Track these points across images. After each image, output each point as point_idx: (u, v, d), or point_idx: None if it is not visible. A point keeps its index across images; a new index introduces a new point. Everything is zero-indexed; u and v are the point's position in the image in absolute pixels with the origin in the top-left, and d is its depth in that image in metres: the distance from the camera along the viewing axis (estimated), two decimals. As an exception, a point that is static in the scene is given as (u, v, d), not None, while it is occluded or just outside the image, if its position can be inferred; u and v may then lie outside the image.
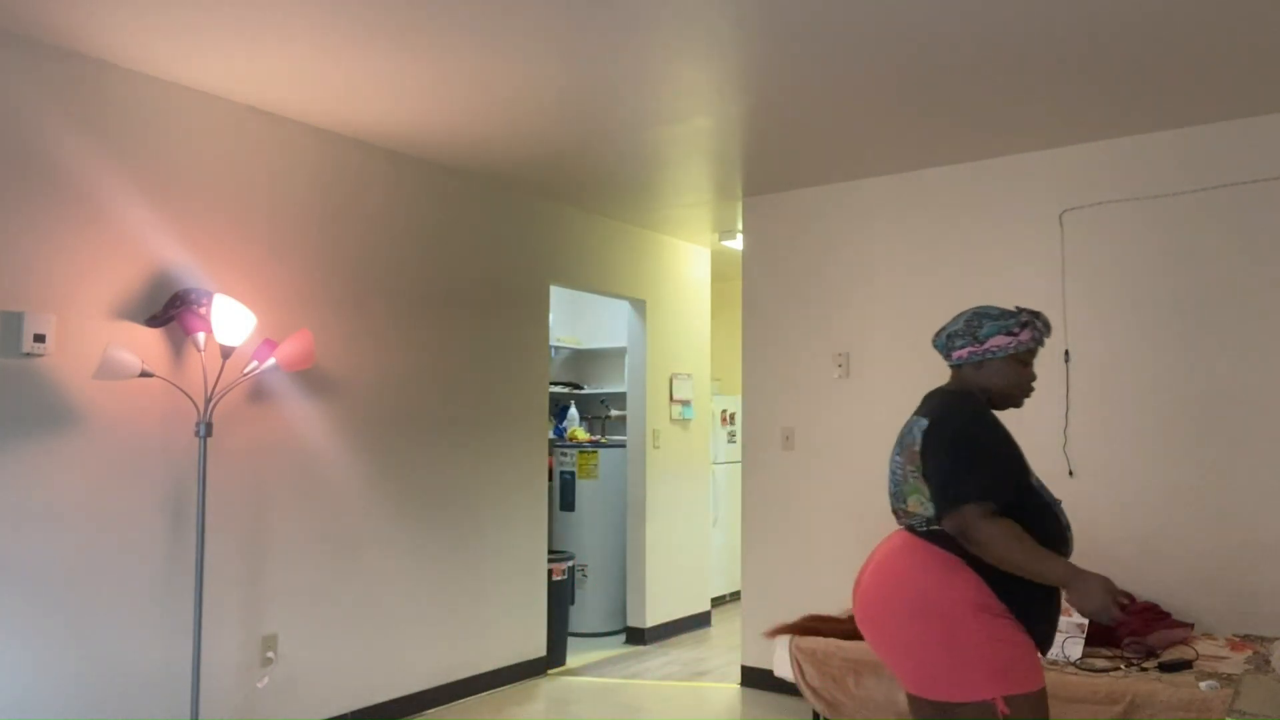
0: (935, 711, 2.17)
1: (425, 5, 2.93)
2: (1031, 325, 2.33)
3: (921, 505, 2.26)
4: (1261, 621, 3.73)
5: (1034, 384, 2.40)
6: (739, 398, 7.11)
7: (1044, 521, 2.23)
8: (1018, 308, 2.37)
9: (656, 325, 6.25)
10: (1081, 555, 4.11)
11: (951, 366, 2.41)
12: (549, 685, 5.00)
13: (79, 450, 3.29)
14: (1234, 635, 3.66)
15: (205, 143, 3.71)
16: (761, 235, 5.20)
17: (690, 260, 6.60)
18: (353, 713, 4.17)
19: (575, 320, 7.39)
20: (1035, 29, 3.09)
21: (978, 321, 2.35)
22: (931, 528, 2.24)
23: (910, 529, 2.31)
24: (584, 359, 7.56)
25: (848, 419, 4.81)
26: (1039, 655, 2.19)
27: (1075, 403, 4.18)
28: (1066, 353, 4.21)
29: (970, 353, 2.35)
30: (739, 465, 6.06)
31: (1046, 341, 2.38)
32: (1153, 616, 3.69)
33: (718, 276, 7.71)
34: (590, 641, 6.03)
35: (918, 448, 2.27)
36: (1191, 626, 3.67)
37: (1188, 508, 3.93)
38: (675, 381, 6.37)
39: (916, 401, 4.59)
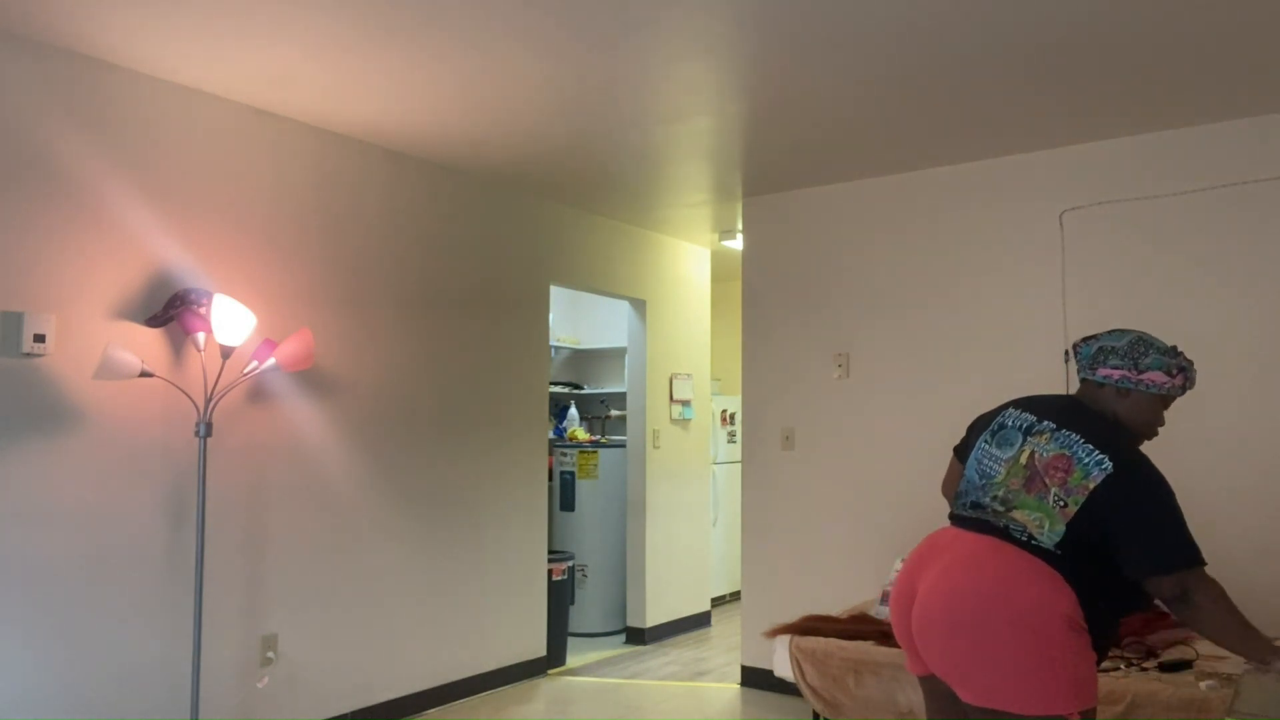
0: None
1: (424, 5, 2.93)
2: (1186, 372, 2.27)
3: (1040, 525, 2.16)
4: (1261, 621, 3.73)
5: (1162, 425, 2.33)
6: (739, 398, 7.12)
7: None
8: (1177, 349, 2.29)
9: (656, 325, 6.25)
10: (1081, 555, 4.11)
11: (1086, 379, 2.32)
12: (549, 685, 5.00)
13: (79, 450, 3.29)
14: (1234, 635, 3.65)
15: (205, 143, 3.71)
16: (761, 235, 5.20)
17: (690, 260, 6.60)
18: (353, 713, 4.17)
19: (575, 320, 7.39)
20: (1035, 29, 3.09)
21: (1143, 348, 2.26)
22: (1033, 542, 2.16)
23: (1002, 532, 2.21)
24: (584, 359, 7.56)
25: (848, 419, 4.81)
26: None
27: (1075, 403, 4.17)
28: (1066, 353, 4.21)
29: (1123, 376, 2.26)
30: (739, 465, 6.06)
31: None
32: (1153, 616, 3.69)
33: (718, 276, 7.71)
34: (590, 641, 6.03)
35: (1091, 484, 2.14)
36: (1191, 626, 3.67)
37: (1187, 507, 3.91)
38: (675, 381, 6.37)
39: (917, 401, 4.60)
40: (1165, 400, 2.29)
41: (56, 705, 3.21)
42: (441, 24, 3.07)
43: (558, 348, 7.14)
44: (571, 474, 6.31)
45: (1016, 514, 2.20)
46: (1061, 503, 2.15)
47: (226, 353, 3.48)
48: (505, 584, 4.97)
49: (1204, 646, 3.47)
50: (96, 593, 3.32)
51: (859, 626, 3.74)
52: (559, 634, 5.36)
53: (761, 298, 5.16)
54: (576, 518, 6.27)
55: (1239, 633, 2.08)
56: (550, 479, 6.30)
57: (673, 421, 6.35)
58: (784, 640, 3.78)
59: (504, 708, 4.58)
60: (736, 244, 6.29)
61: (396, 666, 4.37)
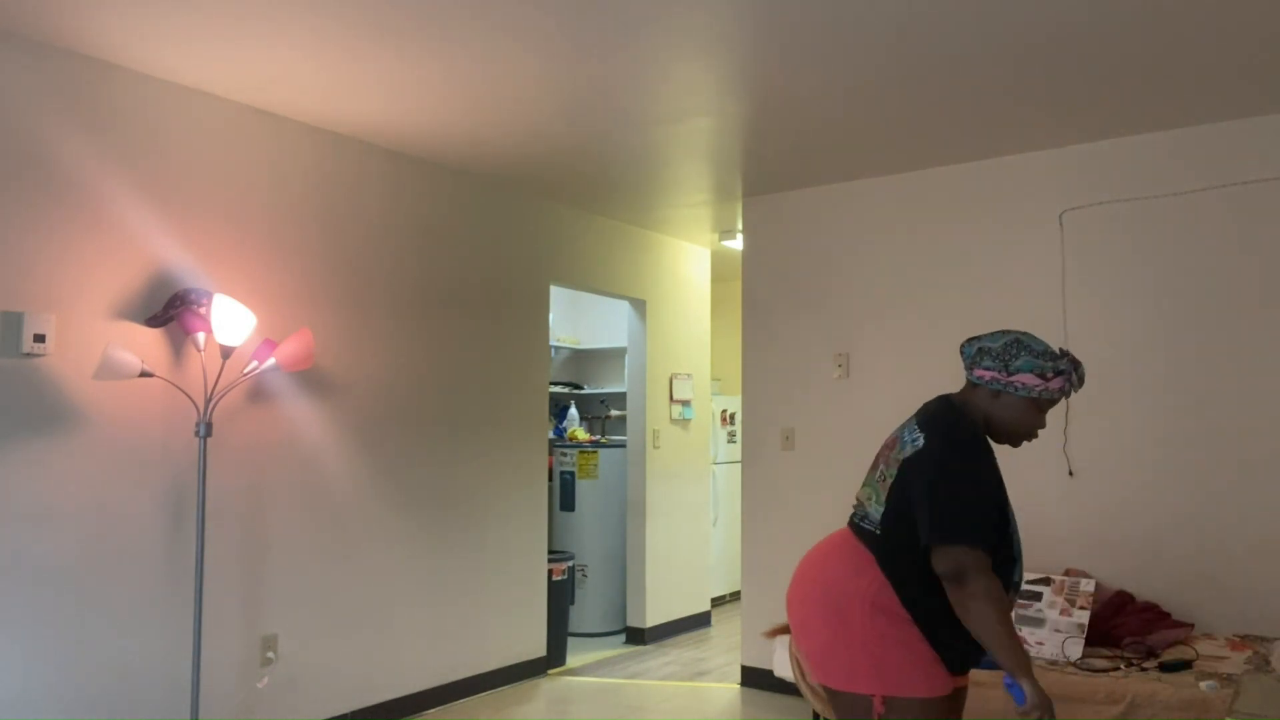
0: (828, 697, 2.23)
1: (424, 5, 2.93)
2: (1067, 376, 2.22)
3: (868, 499, 2.25)
4: (1261, 621, 3.73)
5: (1039, 431, 2.30)
6: (739, 398, 7.12)
7: (1003, 575, 2.18)
8: (1062, 351, 2.26)
9: (656, 325, 6.25)
10: (1082, 555, 4.11)
11: (967, 379, 2.32)
12: (549, 685, 5.00)
13: (79, 450, 3.29)
14: (1234, 635, 3.65)
15: (205, 143, 3.71)
16: (761, 235, 5.20)
17: (690, 260, 6.60)
18: (353, 713, 4.17)
19: (575, 320, 7.39)
20: (1035, 29, 3.09)
21: (1015, 350, 2.23)
22: (862, 524, 2.24)
23: (851, 519, 2.31)
24: (584, 359, 7.56)
25: (848, 419, 4.81)
26: (940, 668, 2.15)
27: (1075, 403, 4.18)
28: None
29: (993, 378, 2.24)
30: (739, 465, 6.06)
31: (1073, 396, 2.32)
32: (1153, 616, 3.69)
33: (718, 276, 7.71)
34: (590, 641, 6.04)
35: (904, 455, 2.19)
36: (1191, 626, 3.67)
37: (1187, 507, 3.93)
38: (675, 381, 6.37)
39: (916, 401, 4.60)
40: (1038, 403, 2.24)
41: (56, 705, 3.21)
42: (442, 24, 3.07)
43: (558, 348, 7.14)
44: (571, 474, 6.31)
45: (860, 493, 2.31)
46: (883, 477, 2.23)
47: (226, 353, 3.48)
48: (505, 584, 4.97)
49: (1204, 646, 3.47)
50: (96, 593, 3.32)
51: (859, 626, 3.73)
52: (559, 634, 5.36)
53: (761, 298, 5.16)
54: (576, 518, 6.27)
55: (1001, 633, 2.03)
56: (550, 479, 6.30)
57: (673, 421, 6.36)
58: (784, 640, 3.78)
59: (504, 708, 4.58)
60: (736, 244, 6.29)
61: (396, 666, 4.37)
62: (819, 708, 3.66)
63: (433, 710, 4.51)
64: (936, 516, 2.10)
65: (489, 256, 4.97)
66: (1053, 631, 3.56)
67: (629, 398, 6.20)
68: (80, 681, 3.27)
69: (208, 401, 3.48)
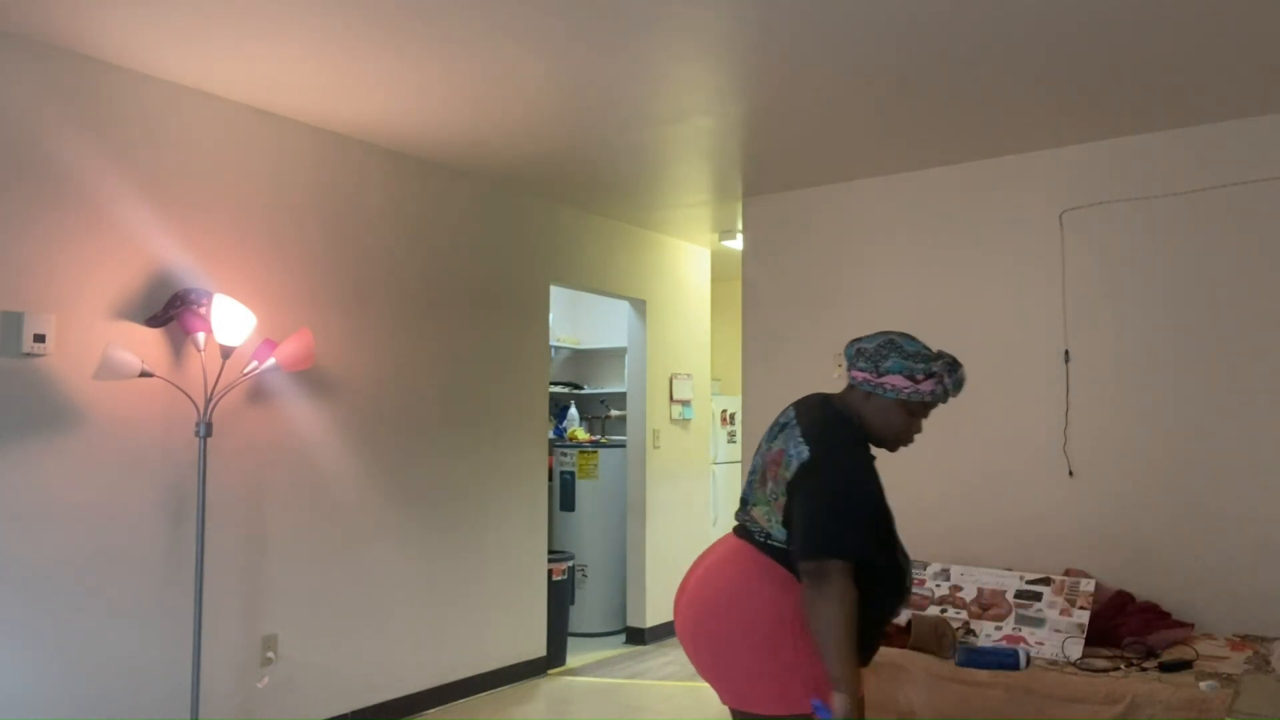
0: None
1: (425, 5, 2.93)
2: (939, 379, 2.16)
3: (767, 520, 2.18)
4: (1261, 621, 3.73)
5: (915, 437, 2.25)
6: (739, 398, 7.12)
7: (888, 582, 2.16)
8: (939, 353, 2.21)
9: (656, 325, 6.25)
10: (1082, 555, 4.11)
11: (849, 381, 2.28)
12: (549, 685, 5.00)
13: (79, 450, 3.29)
14: (1234, 635, 3.65)
15: (205, 143, 3.71)
16: (761, 235, 5.20)
17: (690, 260, 6.60)
18: (353, 713, 4.17)
19: (575, 320, 7.39)
20: (1035, 29, 3.09)
21: (886, 351, 2.20)
22: (770, 541, 2.17)
23: (746, 534, 2.24)
24: (584, 359, 7.56)
25: (848, 419, 4.80)
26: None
27: (1075, 403, 4.18)
28: (1066, 353, 4.21)
29: (865, 380, 2.21)
30: (739, 465, 6.06)
31: (950, 399, 2.21)
32: (1153, 616, 3.69)
33: (718, 276, 7.71)
34: (590, 641, 6.04)
35: (789, 475, 2.14)
36: (1191, 626, 3.67)
37: (1188, 508, 3.93)
38: (675, 381, 6.37)
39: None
40: (908, 406, 2.19)
41: (56, 705, 3.21)
42: (442, 24, 3.07)
43: (558, 348, 7.14)
44: (571, 474, 6.31)
45: (754, 511, 2.23)
46: (776, 496, 2.17)
47: (226, 353, 3.48)
48: (505, 584, 4.97)
49: (1204, 646, 3.47)
50: (96, 593, 3.32)
51: (859, 626, 3.73)
52: (559, 634, 5.36)
53: (761, 298, 5.16)
54: (576, 518, 6.27)
55: (838, 639, 2.00)
56: (550, 479, 6.30)
57: (673, 421, 6.35)
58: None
59: (504, 708, 4.58)
60: (736, 244, 6.29)
61: (396, 666, 4.37)
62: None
63: (433, 710, 4.51)
64: (810, 532, 2.06)
65: (489, 256, 4.97)
66: (1053, 631, 3.56)
67: (629, 398, 6.20)
68: (80, 681, 3.27)
69: (208, 401, 3.48)
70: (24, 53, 3.19)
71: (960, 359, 4.49)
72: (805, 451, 2.14)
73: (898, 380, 2.16)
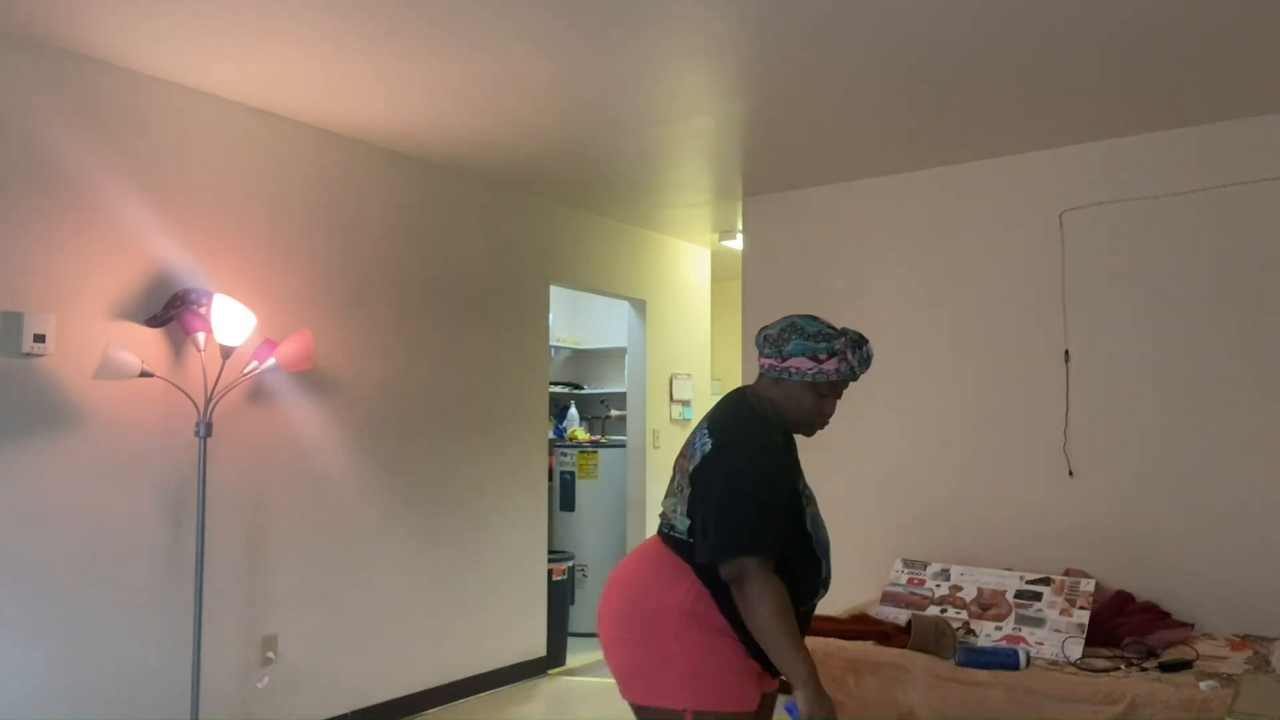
0: (636, 713, 2.13)
1: (423, 5, 2.93)
2: (842, 356, 2.11)
3: (673, 511, 2.16)
4: (1261, 621, 3.73)
5: (829, 418, 2.19)
6: (739, 398, 7.10)
7: (806, 572, 2.12)
8: (843, 331, 2.15)
9: (656, 325, 6.25)
10: (1082, 555, 4.11)
11: (760, 370, 2.23)
12: (549, 685, 5.00)
13: (79, 450, 3.29)
14: (1234, 635, 3.66)
15: (205, 143, 3.71)
16: (761, 235, 5.20)
17: (690, 260, 6.60)
18: (353, 713, 4.17)
19: (575, 320, 7.39)
20: (1035, 29, 3.09)
21: (789, 334, 2.14)
22: (673, 533, 2.14)
23: (659, 527, 2.23)
24: (584, 359, 7.56)
25: (847, 419, 4.81)
26: (753, 681, 2.09)
27: (1075, 403, 4.18)
28: (1066, 353, 4.21)
29: (770, 366, 2.16)
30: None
31: (861, 374, 2.16)
32: (1153, 616, 3.70)
33: (718, 276, 7.70)
34: (590, 641, 6.03)
35: (691, 466, 2.10)
36: (1191, 626, 3.67)
37: (1188, 507, 3.93)
38: (675, 381, 6.37)
39: (916, 401, 4.61)
40: (816, 388, 2.13)
41: (57, 705, 3.21)
42: (441, 24, 3.07)
43: (558, 348, 7.14)
44: (571, 474, 6.31)
45: (664, 503, 2.23)
46: (681, 488, 2.13)
47: (226, 353, 3.48)
48: (505, 584, 4.97)
49: (1204, 646, 3.47)
50: (96, 592, 3.32)
51: (859, 626, 3.74)
52: (559, 634, 5.36)
53: (761, 298, 5.16)
54: (576, 518, 6.27)
55: (780, 636, 1.95)
56: (550, 479, 6.30)
57: (673, 421, 6.35)
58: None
59: (504, 708, 4.58)
60: (736, 244, 6.29)
61: (396, 666, 4.37)
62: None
63: (433, 710, 4.51)
64: (715, 531, 2.01)
65: (489, 256, 4.97)
66: (1053, 631, 3.56)
67: (629, 398, 6.20)
68: (80, 681, 3.27)
69: (208, 401, 3.48)
70: (24, 53, 3.19)
71: (961, 358, 4.50)
72: (709, 444, 2.10)
73: (801, 362, 2.11)
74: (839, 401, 2.21)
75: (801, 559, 2.11)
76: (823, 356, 2.10)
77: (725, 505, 2.02)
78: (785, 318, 2.18)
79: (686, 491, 2.11)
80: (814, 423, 2.19)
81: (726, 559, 1.99)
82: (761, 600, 1.96)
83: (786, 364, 2.13)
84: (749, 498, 2.02)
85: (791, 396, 2.16)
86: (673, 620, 2.05)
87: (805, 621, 2.16)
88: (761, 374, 2.21)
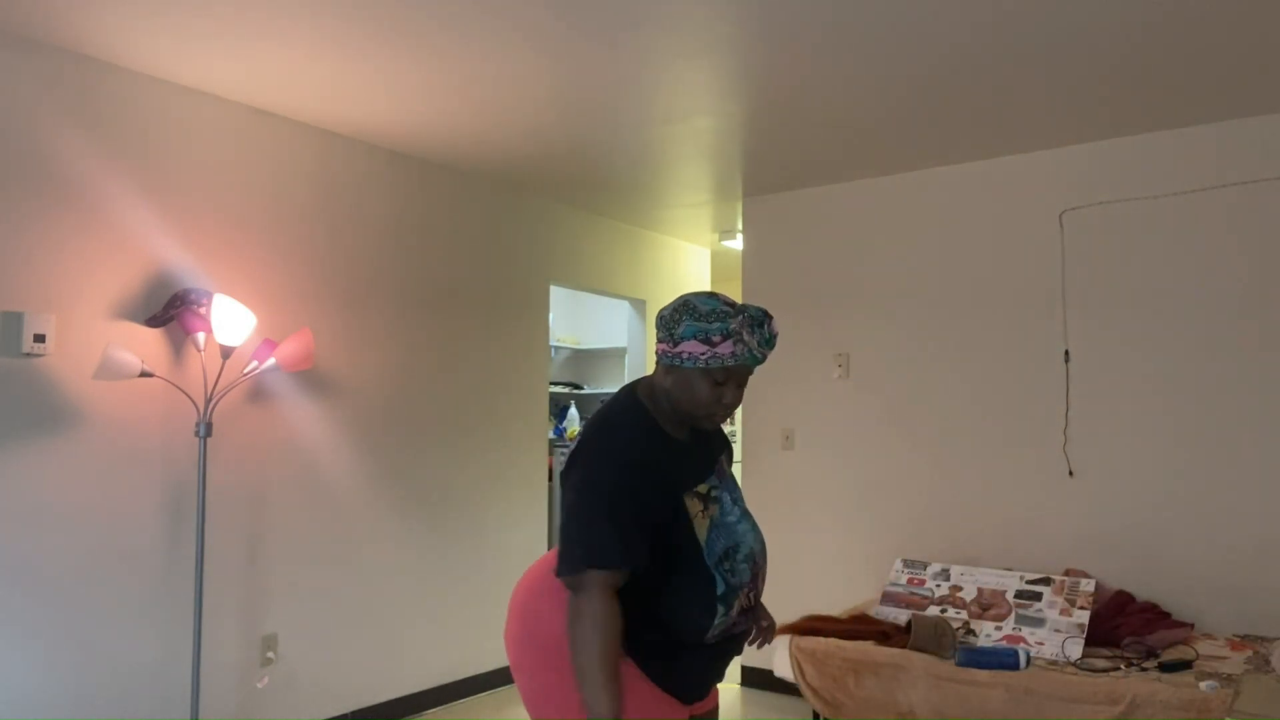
0: None
1: (423, 5, 2.93)
2: (737, 338, 1.86)
3: None
4: (1261, 621, 3.73)
5: (731, 408, 1.91)
6: (739, 398, 7.10)
7: (695, 588, 1.87)
8: (742, 308, 1.90)
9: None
10: (1082, 555, 4.12)
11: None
12: (549, 685, 4.99)
13: (79, 450, 3.29)
14: (1234, 635, 3.66)
15: (205, 143, 3.71)
16: (761, 235, 5.20)
17: (690, 260, 6.60)
18: (353, 713, 4.17)
19: (575, 320, 7.39)
20: (1035, 29, 3.09)
21: (679, 316, 1.89)
22: None
23: None
24: (584, 359, 7.56)
25: (848, 419, 4.81)
26: (667, 706, 1.91)
27: (1075, 403, 4.18)
28: (1066, 353, 4.21)
29: (663, 351, 1.92)
30: (739, 465, 6.05)
31: (764, 357, 1.92)
32: (1153, 616, 3.70)
33: (718, 276, 7.71)
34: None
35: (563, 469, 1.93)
36: (1191, 626, 3.67)
37: (1188, 508, 3.93)
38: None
39: (916, 402, 4.61)
40: (711, 374, 1.88)
41: (56, 705, 3.21)
42: (442, 23, 3.07)
43: (558, 348, 7.14)
44: (571, 474, 6.31)
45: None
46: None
47: (226, 353, 3.48)
48: (505, 583, 4.97)
49: (1204, 646, 3.47)
50: (96, 593, 3.32)
51: (859, 626, 3.74)
52: (559, 634, 5.35)
53: (761, 298, 5.16)
54: (576, 518, 6.26)
55: (589, 664, 1.75)
56: (550, 479, 6.30)
57: (673, 421, 6.35)
58: (784, 640, 3.79)
59: (504, 708, 4.58)
60: (736, 244, 6.29)
61: (396, 666, 4.37)
62: (819, 708, 3.66)
63: (433, 710, 4.51)
64: (561, 542, 1.84)
65: (489, 256, 4.97)
66: (1053, 631, 3.56)
67: (629, 398, 6.19)
68: (80, 681, 3.27)
69: (208, 401, 3.48)
70: (24, 53, 3.19)
71: (961, 358, 4.50)
72: (571, 450, 1.93)
73: (693, 346, 1.86)
74: (745, 390, 1.97)
75: (687, 574, 1.88)
76: (716, 338, 1.85)
77: (572, 515, 1.84)
78: (680, 296, 1.94)
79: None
80: (713, 413, 1.92)
81: (566, 573, 1.81)
82: (586, 619, 1.77)
83: (679, 349, 1.88)
84: (598, 505, 1.81)
85: (685, 384, 1.90)
86: (543, 652, 1.90)
87: (717, 657, 1.97)
88: (657, 361, 1.96)
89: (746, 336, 1.87)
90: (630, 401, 1.95)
